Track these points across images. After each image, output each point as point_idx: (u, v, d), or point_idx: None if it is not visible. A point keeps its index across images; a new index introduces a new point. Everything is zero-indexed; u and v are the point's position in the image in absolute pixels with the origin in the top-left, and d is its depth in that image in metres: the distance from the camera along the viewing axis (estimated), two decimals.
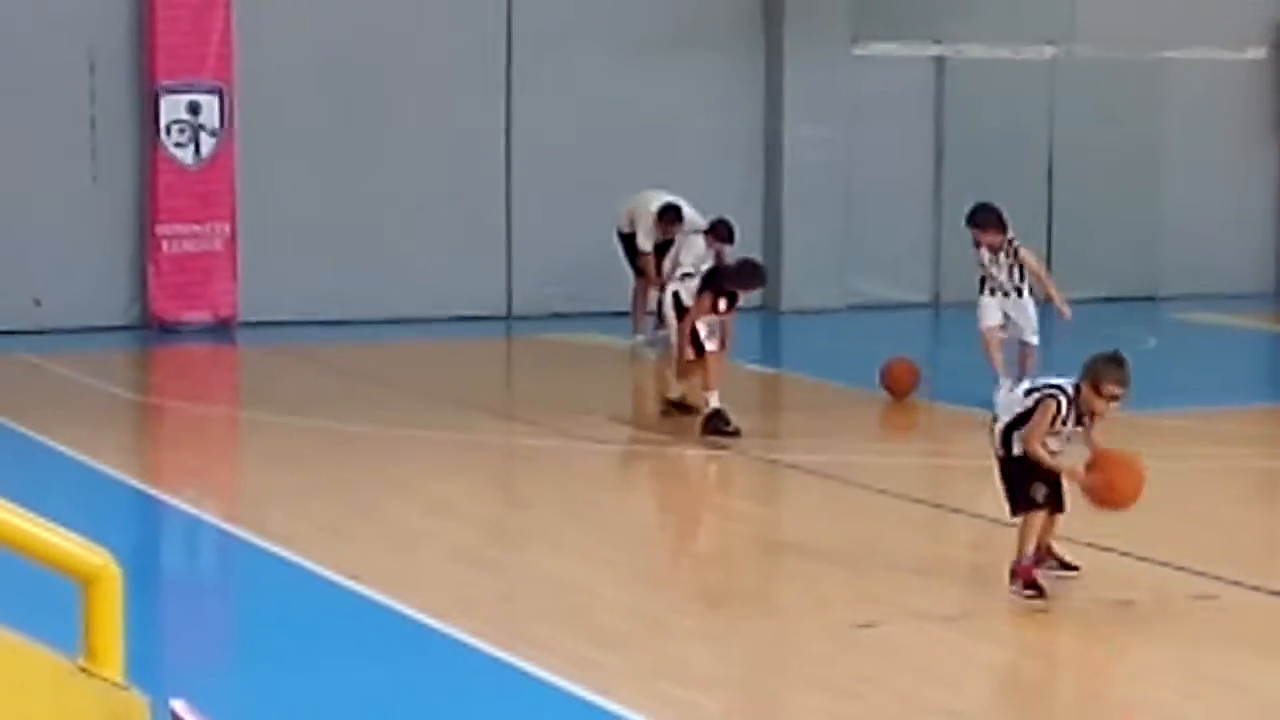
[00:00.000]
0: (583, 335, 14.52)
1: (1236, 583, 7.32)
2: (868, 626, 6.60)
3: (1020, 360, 11.27)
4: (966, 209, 11.78)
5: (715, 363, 10.07)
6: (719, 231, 13.06)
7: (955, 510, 8.65)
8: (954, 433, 11.10)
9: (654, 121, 15.79)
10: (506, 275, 15.68)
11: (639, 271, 13.61)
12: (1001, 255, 11.43)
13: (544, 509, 8.86)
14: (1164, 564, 7.77)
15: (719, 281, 10.42)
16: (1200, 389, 12.32)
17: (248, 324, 14.68)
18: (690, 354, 10.30)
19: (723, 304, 10.28)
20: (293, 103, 14.87)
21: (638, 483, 9.91)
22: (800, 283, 15.93)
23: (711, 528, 8.99)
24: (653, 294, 13.34)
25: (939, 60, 16.77)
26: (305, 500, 8.64)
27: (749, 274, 10.72)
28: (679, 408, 10.55)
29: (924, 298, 16.80)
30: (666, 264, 13.05)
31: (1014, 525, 8.09)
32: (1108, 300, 16.75)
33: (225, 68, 14.63)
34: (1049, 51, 17.04)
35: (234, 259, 14.76)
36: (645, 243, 13.38)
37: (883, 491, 8.88)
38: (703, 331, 10.22)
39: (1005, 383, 10.86)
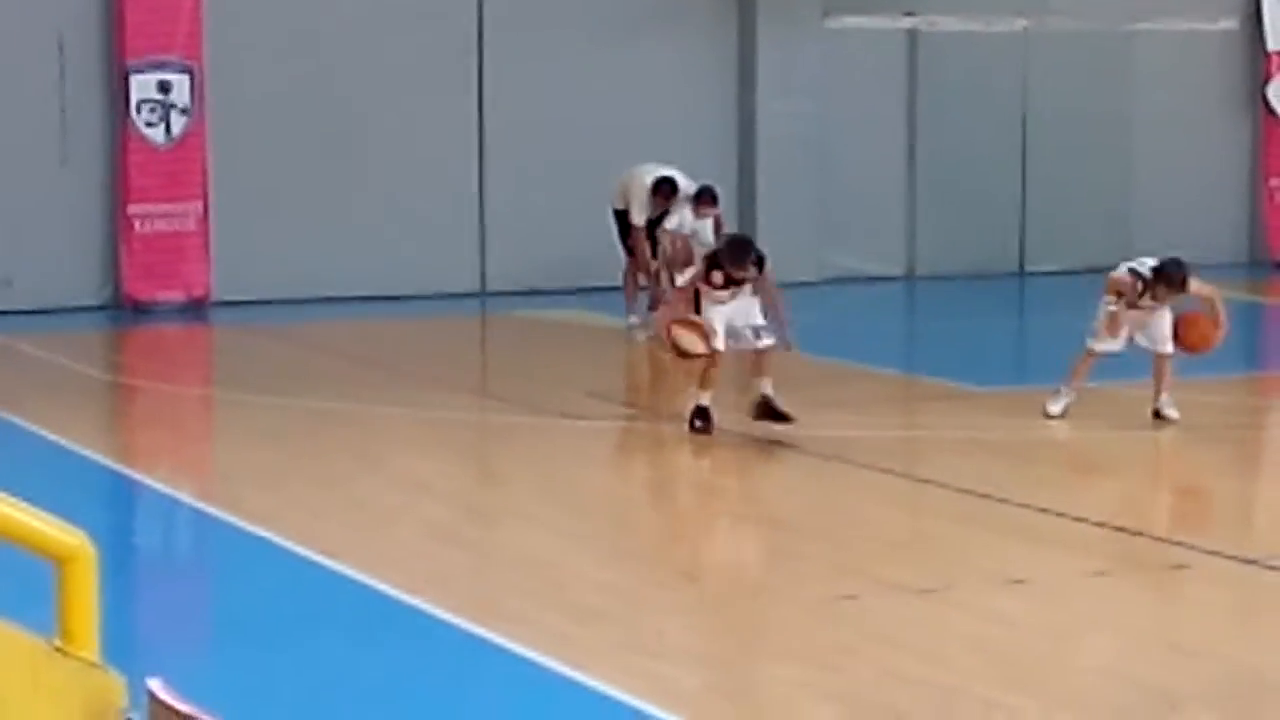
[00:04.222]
0: (557, 312, 14.49)
1: (1211, 552, 7.36)
2: (847, 599, 6.61)
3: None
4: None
5: (712, 366, 9.45)
6: (704, 199, 13.09)
7: (932, 482, 8.67)
8: (930, 405, 11.12)
9: (627, 96, 15.75)
10: (481, 252, 15.64)
11: (630, 250, 13.46)
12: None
13: (519, 485, 8.85)
14: (1139, 534, 7.79)
15: (718, 254, 9.69)
16: (1174, 359, 12.33)
17: (221, 303, 14.62)
18: (679, 314, 9.49)
19: (717, 277, 9.44)
20: (264, 81, 14.79)
21: (614, 459, 9.90)
22: (775, 256, 15.79)
23: (688, 503, 8.99)
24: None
25: (911, 33, 16.75)
26: (280, 478, 8.62)
27: (735, 249, 9.73)
28: (703, 417, 9.49)
29: (899, 270, 16.81)
30: (659, 235, 13.06)
31: (988, 497, 8.12)
32: (1082, 272, 16.79)
33: (195, 46, 14.54)
34: (1021, 23, 17.03)
35: (207, 238, 14.69)
36: (638, 217, 13.26)
37: (860, 464, 8.89)
38: (704, 322, 9.36)
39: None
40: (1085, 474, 8.96)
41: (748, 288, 9.48)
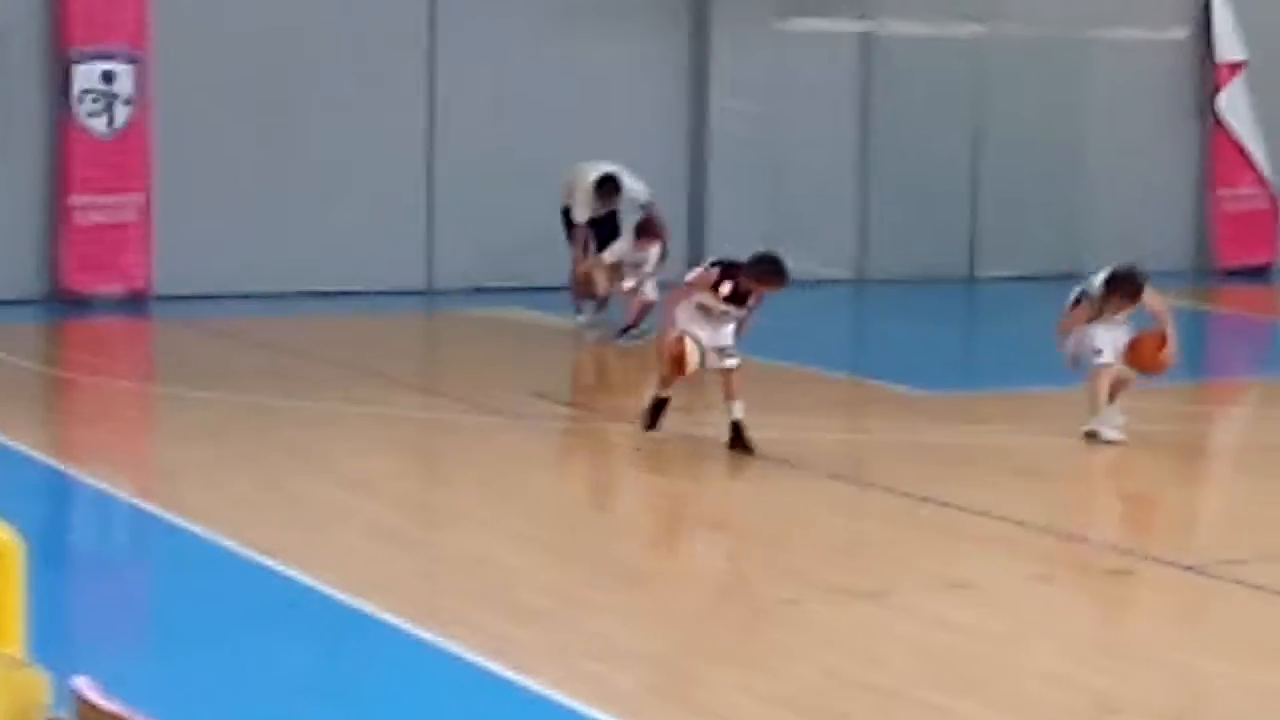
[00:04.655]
0: (505, 310, 14.42)
1: (1153, 558, 7.37)
2: (789, 602, 6.59)
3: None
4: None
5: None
6: (645, 234, 12.97)
7: (877, 487, 8.65)
8: (878, 409, 11.11)
9: (579, 94, 15.68)
10: (429, 249, 15.55)
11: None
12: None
13: (464, 485, 8.78)
14: (1082, 539, 7.80)
15: (734, 267, 9.24)
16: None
17: (163, 297, 14.46)
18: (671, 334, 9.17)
19: (726, 288, 9.10)
20: (211, 73, 14.65)
21: (559, 459, 9.85)
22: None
23: (633, 504, 8.94)
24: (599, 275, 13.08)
25: (865, 36, 16.76)
26: (221, 476, 8.52)
27: (770, 269, 9.23)
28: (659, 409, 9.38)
29: (849, 274, 16.82)
30: (614, 250, 12.94)
31: (932, 501, 8.11)
32: (1032, 278, 16.85)
33: (141, 36, 14.39)
34: (975, 29, 17.07)
35: (148, 231, 14.54)
36: (580, 214, 13.18)
37: (806, 468, 8.87)
38: (686, 327, 9.10)
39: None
40: (1029, 479, 8.96)
41: (734, 312, 9.20)
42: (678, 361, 9.21)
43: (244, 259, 14.73)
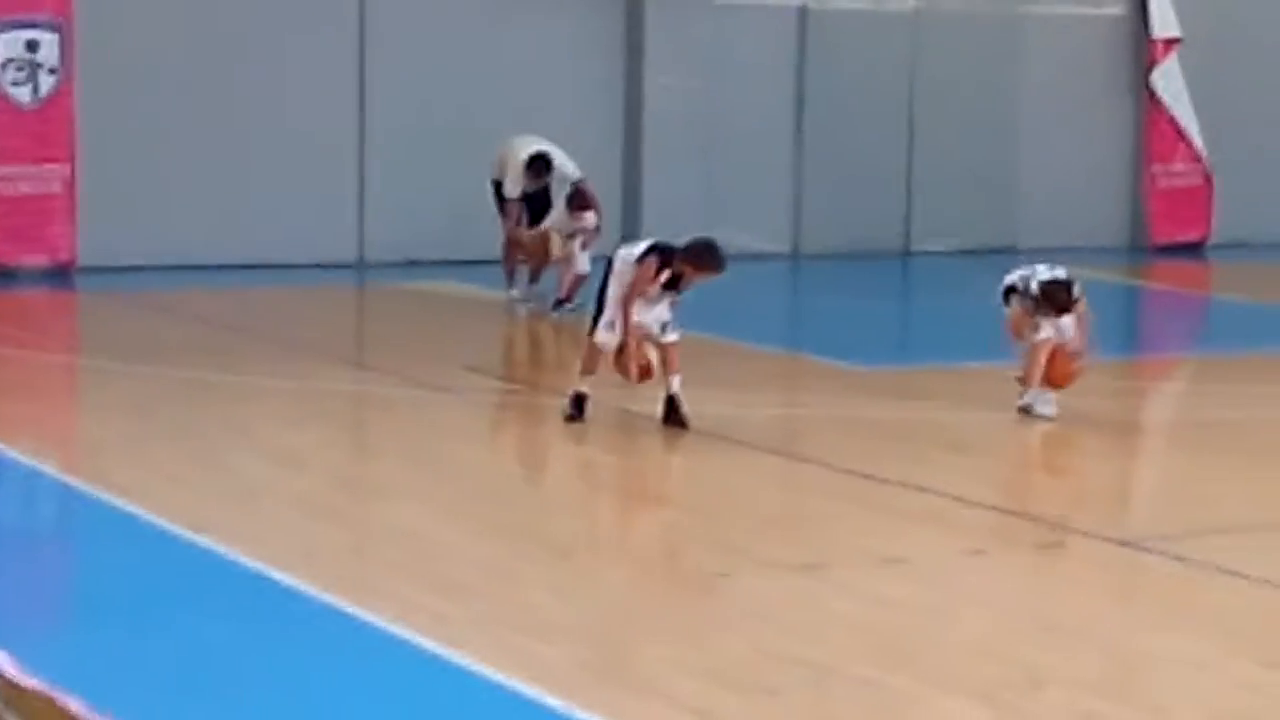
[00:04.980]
0: (437, 284, 14.32)
1: (1086, 533, 7.40)
2: (722, 576, 6.56)
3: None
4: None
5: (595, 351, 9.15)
6: (575, 205, 12.96)
7: (812, 461, 8.64)
8: (811, 383, 11.11)
9: (513, 68, 15.58)
10: (359, 222, 15.41)
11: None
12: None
13: (395, 459, 8.70)
14: (1016, 513, 7.82)
15: (670, 252, 9.18)
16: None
17: (89, 269, 14.26)
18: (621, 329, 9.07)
19: (664, 275, 9.08)
20: (136, 42, 14.44)
21: (491, 433, 9.79)
22: (659, 233, 15.75)
23: (565, 478, 8.89)
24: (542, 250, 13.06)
25: (801, 10, 16.74)
26: (148, 450, 8.40)
27: (707, 255, 9.25)
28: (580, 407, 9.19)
29: (784, 248, 16.82)
30: (549, 221, 12.93)
31: (867, 476, 8.10)
32: (967, 253, 16.90)
33: (64, 4, 14.17)
34: (911, 4, 17.07)
35: (73, 202, 14.33)
36: (512, 190, 13.14)
37: (740, 442, 8.84)
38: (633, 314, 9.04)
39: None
40: (964, 454, 8.97)
41: (669, 296, 9.19)
42: (644, 370, 9.22)
43: (171, 231, 14.56)
